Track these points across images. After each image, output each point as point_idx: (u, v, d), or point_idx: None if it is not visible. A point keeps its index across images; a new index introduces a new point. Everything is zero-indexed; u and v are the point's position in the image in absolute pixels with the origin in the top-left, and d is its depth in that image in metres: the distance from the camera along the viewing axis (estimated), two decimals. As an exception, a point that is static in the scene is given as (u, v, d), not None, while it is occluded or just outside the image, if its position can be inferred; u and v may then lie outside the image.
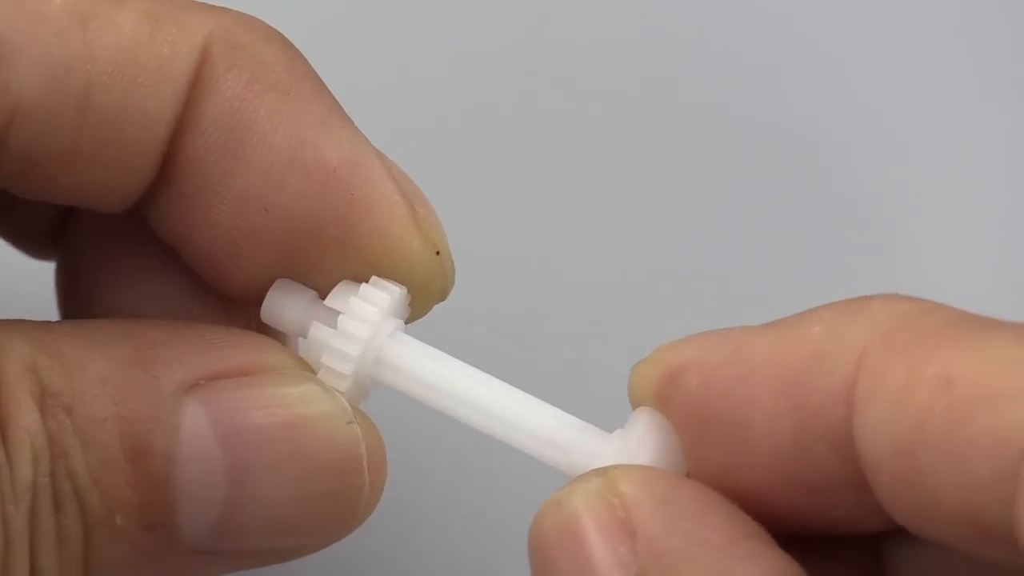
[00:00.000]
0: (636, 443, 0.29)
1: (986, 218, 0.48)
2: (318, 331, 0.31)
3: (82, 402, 0.29)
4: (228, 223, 0.31)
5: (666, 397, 0.29)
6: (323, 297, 0.32)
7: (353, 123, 0.31)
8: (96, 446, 0.29)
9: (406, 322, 0.32)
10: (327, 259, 0.31)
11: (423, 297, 0.33)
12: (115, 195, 0.31)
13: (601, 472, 0.28)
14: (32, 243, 0.36)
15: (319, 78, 0.32)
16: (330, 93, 0.32)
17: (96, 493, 0.29)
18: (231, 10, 0.31)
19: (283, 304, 0.32)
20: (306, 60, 0.31)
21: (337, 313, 0.31)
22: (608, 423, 0.31)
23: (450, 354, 0.32)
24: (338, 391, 0.31)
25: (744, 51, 0.50)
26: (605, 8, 0.50)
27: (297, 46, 0.32)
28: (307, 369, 0.31)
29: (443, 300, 0.33)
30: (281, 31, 0.32)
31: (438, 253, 0.32)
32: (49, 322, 0.30)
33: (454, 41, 0.50)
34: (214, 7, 0.31)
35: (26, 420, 0.28)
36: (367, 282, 0.31)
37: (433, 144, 0.47)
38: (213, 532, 0.30)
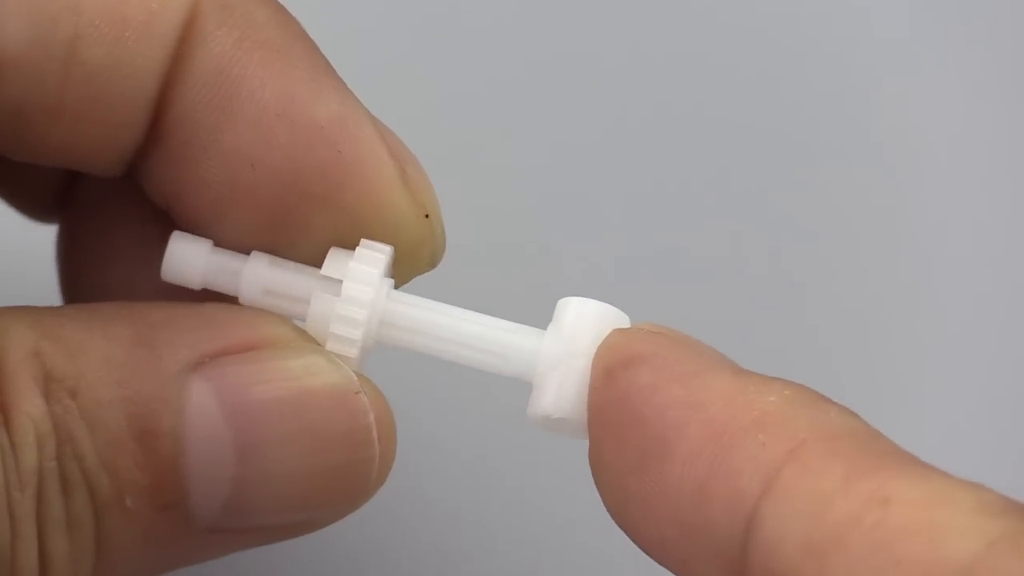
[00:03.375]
0: (571, 331, 0.30)
1: (988, 218, 0.48)
2: (320, 301, 0.31)
3: (86, 385, 0.29)
4: (216, 180, 0.31)
5: (615, 376, 0.29)
6: (311, 262, 0.31)
7: (344, 83, 0.31)
8: (103, 428, 0.29)
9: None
10: (314, 217, 0.31)
11: (410, 261, 0.32)
12: (105, 154, 0.31)
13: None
14: (36, 208, 0.36)
15: (310, 39, 0.31)
16: (321, 53, 0.31)
17: (105, 476, 0.29)
18: None
19: (184, 258, 0.31)
20: (297, 21, 0.31)
21: (328, 281, 0.31)
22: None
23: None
24: (348, 356, 0.31)
25: (744, 51, 0.50)
26: (606, 8, 0.50)
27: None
28: (310, 341, 0.31)
29: (432, 267, 0.33)
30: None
31: (427, 216, 0.32)
32: (51, 307, 0.30)
33: (450, 41, 0.49)
34: None
35: (29, 405, 0.28)
36: (355, 244, 0.31)
37: (431, 140, 0.47)
38: (224, 510, 0.30)
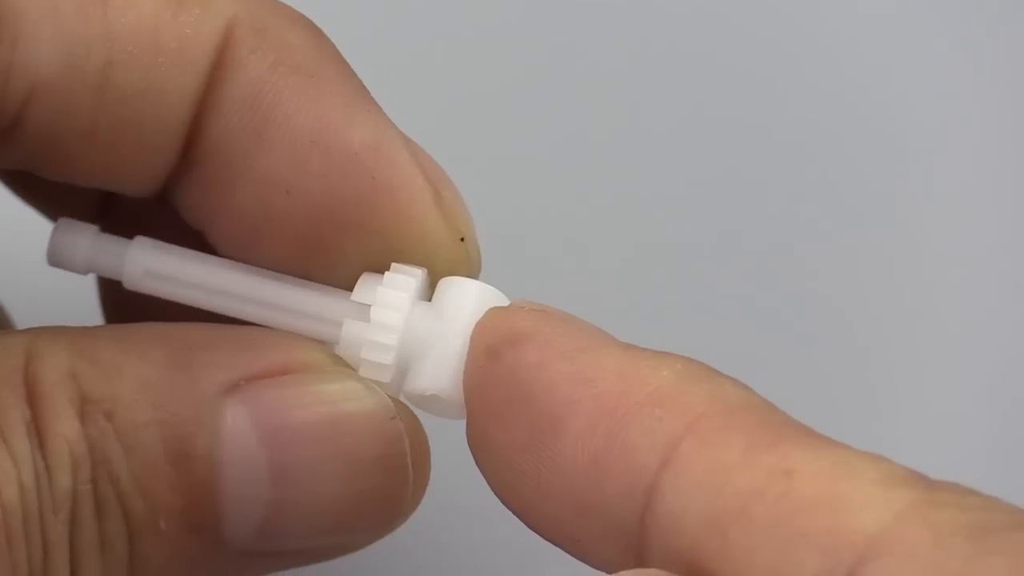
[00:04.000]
0: (451, 310, 0.30)
1: (988, 218, 0.48)
2: (351, 327, 0.31)
3: (123, 407, 0.29)
4: (251, 206, 0.31)
5: (499, 355, 0.29)
6: (347, 286, 0.31)
7: (379, 107, 0.31)
8: (138, 451, 0.29)
9: None
10: (349, 243, 0.31)
11: None
12: (138, 177, 0.31)
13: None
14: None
15: (345, 61, 0.31)
16: (356, 76, 0.31)
17: (139, 498, 0.29)
18: None
19: (69, 243, 0.31)
20: (332, 43, 0.31)
21: (363, 306, 0.31)
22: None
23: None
24: (381, 382, 0.31)
25: (745, 52, 0.50)
26: (607, 8, 0.50)
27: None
28: (345, 366, 0.31)
29: None
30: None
31: (463, 240, 0.32)
32: (88, 328, 0.30)
33: (453, 45, 0.49)
34: None
35: (65, 428, 0.28)
36: (388, 270, 0.31)
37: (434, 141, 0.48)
38: (258, 533, 0.30)
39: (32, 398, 0.28)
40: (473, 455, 0.29)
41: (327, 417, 0.30)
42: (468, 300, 0.31)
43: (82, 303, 0.36)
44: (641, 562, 0.27)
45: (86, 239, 0.31)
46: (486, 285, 0.31)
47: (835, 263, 0.47)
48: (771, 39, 0.50)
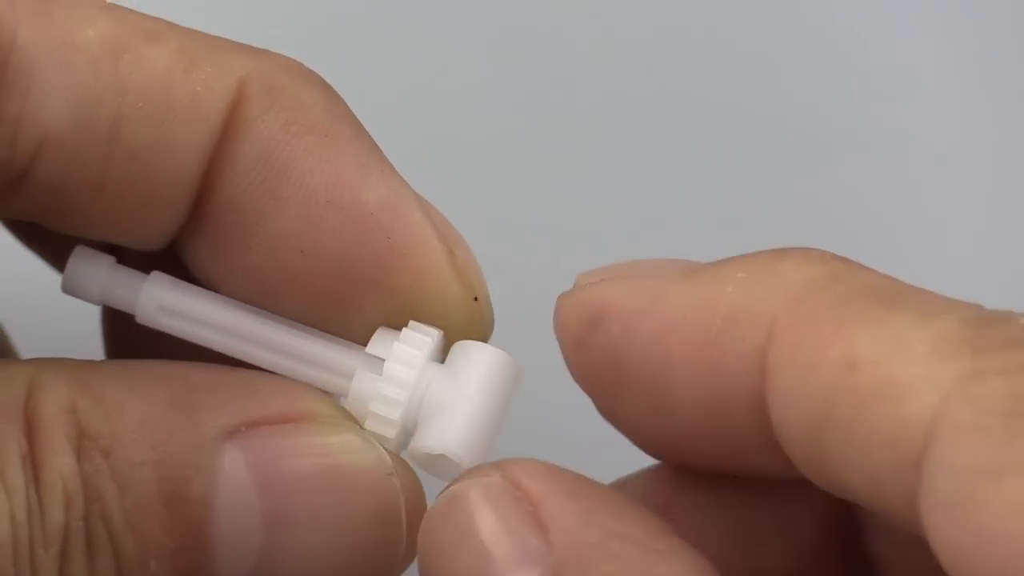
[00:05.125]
0: (462, 374, 0.31)
1: (988, 218, 0.48)
2: (362, 379, 0.31)
3: (120, 445, 0.29)
4: (265, 265, 0.31)
5: (587, 341, 0.29)
6: (361, 342, 0.31)
7: (392, 166, 0.31)
8: (133, 490, 0.29)
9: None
10: (364, 301, 0.31)
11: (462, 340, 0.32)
12: (146, 231, 0.31)
13: (497, 466, 0.28)
14: None
15: (358, 120, 0.31)
16: (369, 136, 0.31)
17: (131, 537, 0.29)
18: (268, 51, 0.31)
19: (85, 273, 0.31)
20: (344, 102, 0.31)
21: (376, 360, 0.31)
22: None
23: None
24: (386, 436, 0.31)
25: (744, 50, 0.50)
26: (606, 6, 0.50)
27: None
28: (348, 419, 0.31)
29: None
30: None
31: (476, 299, 0.32)
32: (92, 362, 0.30)
33: (453, 42, 0.50)
34: (251, 48, 0.31)
35: (60, 463, 0.28)
36: (405, 327, 0.31)
37: (429, 148, 0.48)
38: None
39: (30, 431, 0.28)
40: (615, 426, 0.30)
41: (324, 469, 0.30)
42: (480, 365, 0.31)
43: (88, 327, 0.36)
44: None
45: (102, 270, 0.31)
46: (498, 351, 0.31)
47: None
48: (771, 34, 0.50)
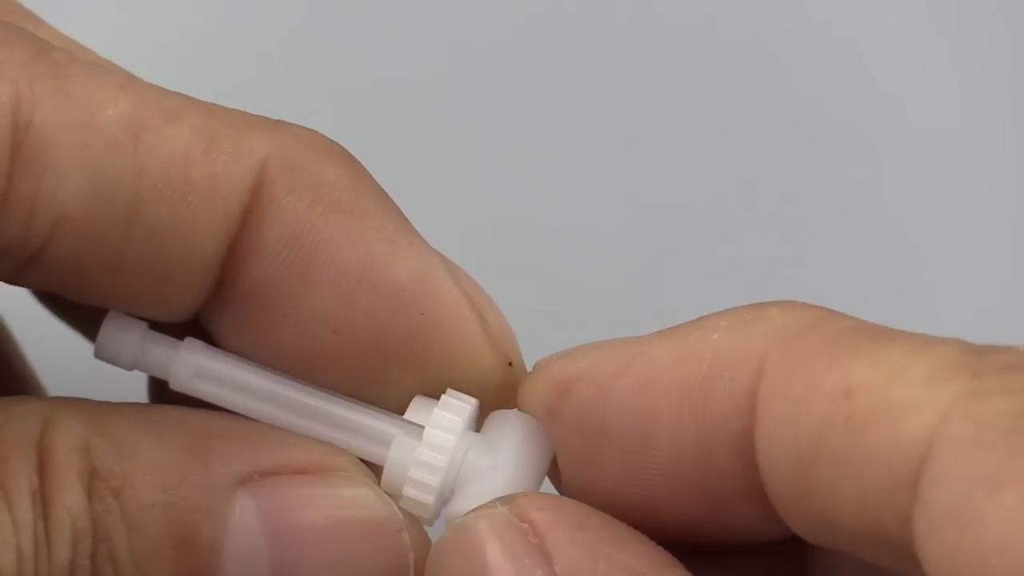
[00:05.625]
0: (497, 443, 0.31)
1: (988, 218, 0.48)
2: (401, 445, 0.31)
3: (131, 486, 0.29)
4: (297, 343, 0.31)
5: (557, 409, 0.29)
6: (399, 411, 0.31)
7: (420, 237, 0.31)
8: (142, 532, 0.29)
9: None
10: (399, 376, 0.31)
11: (496, 407, 0.32)
12: (166, 307, 0.31)
13: (506, 500, 0.28)
14: None
15: (383, 192, 0.31)
16: (395, 207, 0.31)
17: None
18: (290, 126, 0.31)
19: (118, 339, 0.31)
20: (368, 174, 0.31)
21: (416, 427, 0.31)
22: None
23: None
24: (424, 503, 0.30)
25: (745, 50, 0.50)
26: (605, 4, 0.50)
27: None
28: (363, 472, 0.31)
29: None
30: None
31: (510, 364, 0.32)
32: (110, 403, 0.30)
33: (449, 39, 0.50)
34: (273, 123, 0.31)
35: (70, 500, 0.28)
36: (439, 393, 0.31)
37: (429, 145, 0.48)
38: None
39: (42, 467, 0.28)
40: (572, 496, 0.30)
41: (334, 521, 0.30)
42: (516, 434, 0.31)
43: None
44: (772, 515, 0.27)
45: (135, 335, 0.31)
46: (533, 419, 0.31)
47: (834, 266, 0.47)
48: (771, 34, 0.50)
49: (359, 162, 0.31)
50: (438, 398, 0.31)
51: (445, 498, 0.31)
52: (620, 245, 0.48)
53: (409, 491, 0.31)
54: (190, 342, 0.31)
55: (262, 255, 0.30)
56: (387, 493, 0.31)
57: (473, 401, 0.31)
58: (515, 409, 0.31)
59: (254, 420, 0.31)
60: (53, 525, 0.28)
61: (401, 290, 0.30)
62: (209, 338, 0.32)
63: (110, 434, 0.29)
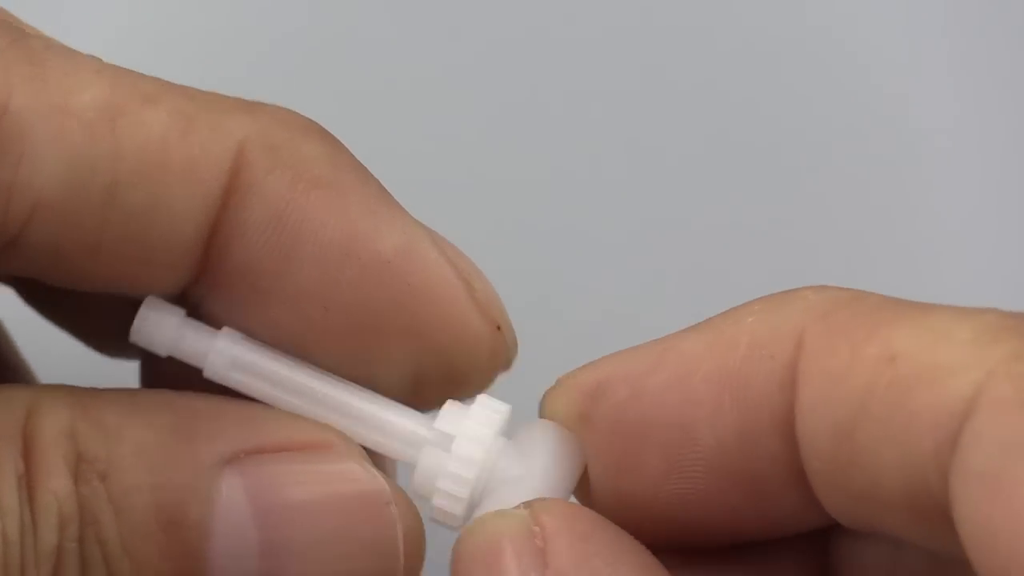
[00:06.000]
0: (529, 450, 0.30)
1: (988, 218, 0.48)
2: (430, 455, 0.31)
3: (118, 469, 0.29)
4: (287, 321, 0.31)
5: (589, 413, 0.29)
6: (393, 389, 0.32)
7: (403, 209, 0.31)
8: (129, 514, 0.29)
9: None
10: (391, 348, 0.31)
11: (488, 372, 0.32)
12: (148, 289, 0.31)
13: (528, 503, 0.29)
14: (106, 342, 0.36)
15: (363, 167, 0.31)
16: (376, 181, 0.31)
17: (126, 561, 0.29)
18: (267, 107, 0.31)
19: (155, 324, 0.31)
20: (347, 150, 0.31)
21: (446, 436, 0.31)
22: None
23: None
24: (453, 513, 0.31)
25: (745, 51, 0.50)
26: (603, 5, 0.50)
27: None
28: (352, 448, 0.31)
29: (507, 370, 0.33)
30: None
31: (499, 328, 0.32)
32: (96, 388, 0.30)
33: (452, 41, 0.50)
34: (250, 104, 0.31)
35: (56, 485, 0.28)
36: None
37: (431, 148, 0.48)
38: None
39: (27, 453, 0.28)
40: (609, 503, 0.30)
41: (322, 496, 0.30)
42: (546, 443, 0.31)
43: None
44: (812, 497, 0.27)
45: (172, 322, 0.31)
46: (564, 430, 0.31)
47: (834, 266, 0.47)
48: (771, 34, 0.50)
49: (337, 139, 0.31)
50: (452, 396, 0.31)
51: (474, 505, 0.31)
52: (622, 248, 0.47)
53: (438, 501, 0.31)
54: (228, 332, 0.31)
55: (246, 236, 0.30)
56: (415, 498, 0.31)
57: (505, 409, 0.31)
58: (544, 421, 0.31)
59: (241, 400, 0.31)
60: (39, 510, 0.28)
61: (386, 262, 0.30)
62: (200, 319, 0.32)
63: (95, 418, 0.29)
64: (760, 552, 0.30)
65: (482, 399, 0.31)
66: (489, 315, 0.32)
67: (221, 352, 0.31)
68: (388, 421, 0.31)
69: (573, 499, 0.31)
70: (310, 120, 0.31)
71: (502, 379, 0.33)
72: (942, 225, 0.48)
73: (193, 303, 0.31)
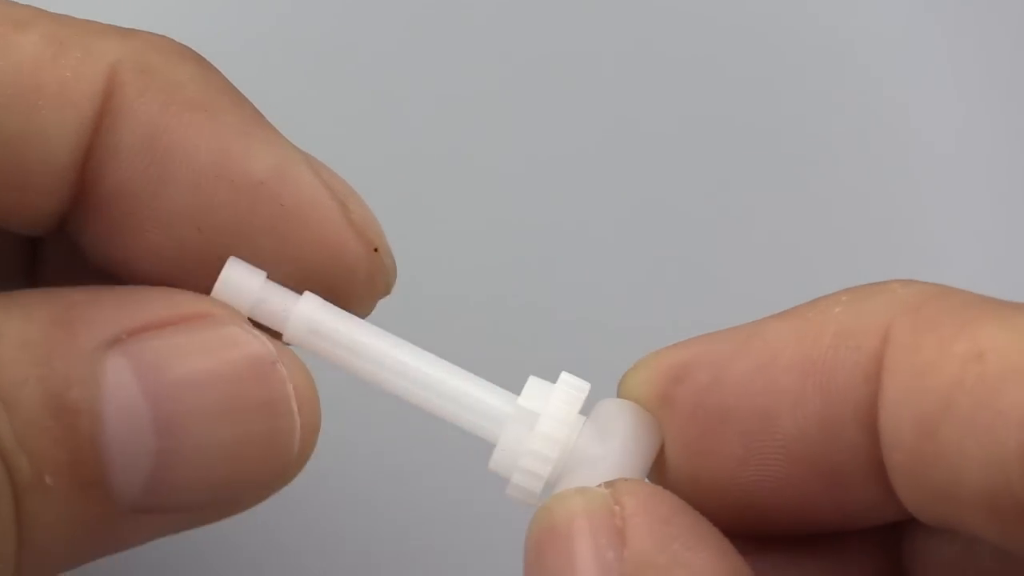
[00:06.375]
0: (605, 430, 0.30)
1: (989, 219, 0.49)
2: (513, 432, 0.31)
3: (2, 367, 0.29)
4: (164, 246, 0.31)
5: (671, 396, 0.29)
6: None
7: (276, 131, 0.31)
8: (19, 408, 0.29)
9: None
10: (266, 270, 0.31)
11: (367, 295, 0.33)
12: (26, 217, 0.31)
13: (610, 483, 0.29)
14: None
15: (237, 91, 0.31)
16: (250, 104, 0.31)
17: (23, 455, 0.29)
18: (141, 32, 0.31)
19: (237, 285, 0.31)
20: (221, 74, 0.31)
21: (531, 413, 0.31)
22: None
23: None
24: (532, 491, 0.31)
25: (744, 51, 0.50)
26: (601, 7, 0.50)
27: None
28: (232, 313, 0.31)
29: (387, 295, 0.33)
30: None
31: (376, 250, 0.32)
32: None
33: (441, 41, 0.50)
34: (123, 30, 0.31)
35: None
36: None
37: (423, 144, 0.48)
38: (147, 487, 0.29)
39: None
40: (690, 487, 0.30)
41: (208, 365, 0.30)
42: (624, 421, 0.31)
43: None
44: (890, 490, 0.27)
45: (256, 283, 0.31)
46: (643, 410, 0.31)
47: (834, 267, 0.48)
48: (772, 34, 0.50)
49: (211, 63, 0.31)
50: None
51: (552, 483, 0.31)
52: (618, 243, 0.47)
53: (518, 478, 0.31)
54: (309, 296, 0.31)
55: (119, 159, 0.30)
56: (496, 472, 0.31)
57: (586, 387, 0.31)
58: (623, 399, 0.31)
59: (117, 287, 0.31)
60: None
61: (259, 183, 0.31)
62: (79, 250, 0.32)
63: None
64: (833, 543, 0.30)
65: (565, 377, 0.31)
66: (365, 236, 0.32)
67: (301, 315, 0.31)
68: (471, 395, 0.31)
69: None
70: (184, 45, 0.31)
71: (512, 371, 0.32)
72: (942, 225, 0.48)
73: (72, 235, 0.31)
